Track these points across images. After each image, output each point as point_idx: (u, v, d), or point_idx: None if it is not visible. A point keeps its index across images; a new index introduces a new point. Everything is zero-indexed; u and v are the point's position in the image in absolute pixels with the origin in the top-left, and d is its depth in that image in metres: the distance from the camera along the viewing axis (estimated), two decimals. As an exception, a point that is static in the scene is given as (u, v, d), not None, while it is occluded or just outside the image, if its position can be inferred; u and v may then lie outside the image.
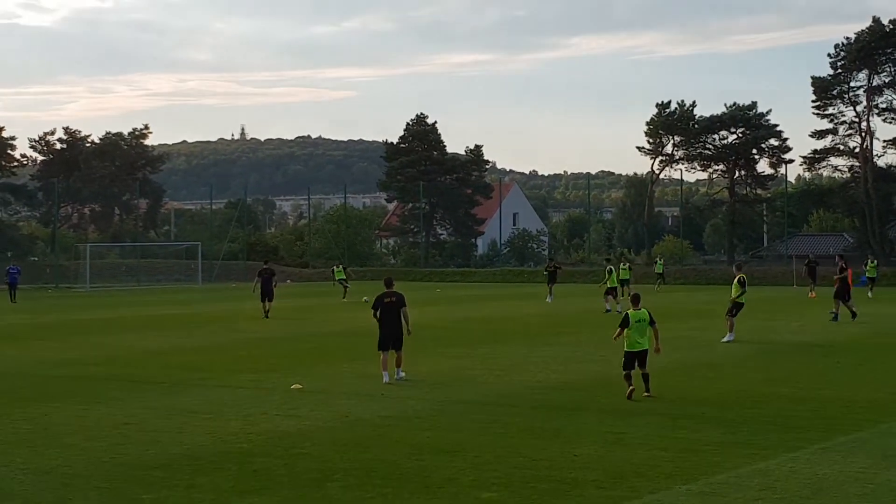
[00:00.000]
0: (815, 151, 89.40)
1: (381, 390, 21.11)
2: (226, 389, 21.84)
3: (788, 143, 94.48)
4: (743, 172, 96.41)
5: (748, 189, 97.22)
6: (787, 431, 16.42)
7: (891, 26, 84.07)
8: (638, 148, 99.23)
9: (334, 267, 60.83)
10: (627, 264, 60.26)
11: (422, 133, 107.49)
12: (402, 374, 22.52)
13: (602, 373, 23.73)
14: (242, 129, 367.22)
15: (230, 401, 20.20)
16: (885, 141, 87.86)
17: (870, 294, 53.25)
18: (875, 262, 58.66)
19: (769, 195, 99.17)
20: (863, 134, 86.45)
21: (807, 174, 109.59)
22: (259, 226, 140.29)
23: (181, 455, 15.07)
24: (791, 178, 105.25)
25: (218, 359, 27.84)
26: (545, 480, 13.22)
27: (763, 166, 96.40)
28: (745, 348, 29.06)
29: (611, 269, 45.78)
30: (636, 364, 19.74)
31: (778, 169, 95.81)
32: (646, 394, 19.66)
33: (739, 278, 30.77)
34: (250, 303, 46.79)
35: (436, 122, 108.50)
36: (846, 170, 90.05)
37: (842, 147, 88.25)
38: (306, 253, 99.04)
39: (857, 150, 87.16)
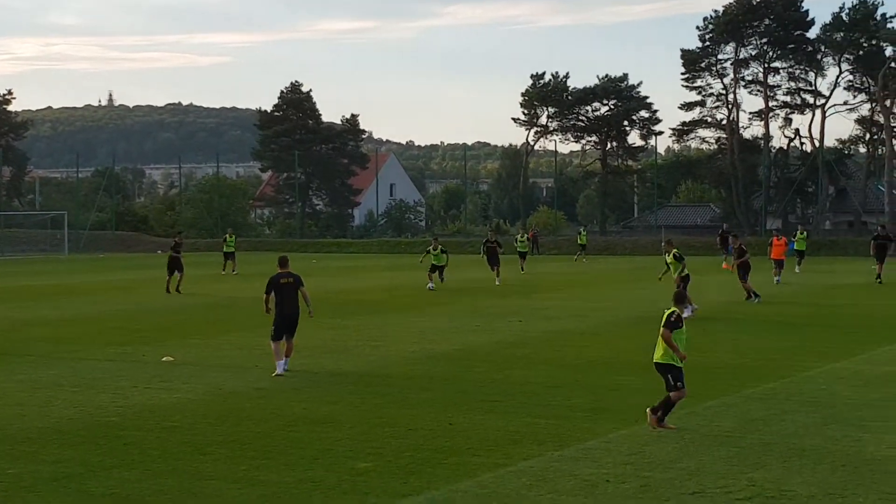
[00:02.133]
0: (683, 123, 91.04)
1: (255, 363, 20.97)
2: (94, 362, 21.47)
3: (658, 114, 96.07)
4: (614, 144, 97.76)
5: (619, 160, 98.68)
6: (655, 397, 16.82)
7: (758, 0, 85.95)
8: (513, 119, 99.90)
9: (226, 236, 56.04)
10: (584, 230, 57.40)
11: (297, 101, 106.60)
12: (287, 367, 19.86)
13: (476, 343, 23.98)
14: (110, 96, 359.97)
15: (99, 374, 19.88)
16: (750, 113, 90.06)
17: (797, 269, 49.47)
18: (805, 233, 55.03)
19: (640, 166, 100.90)
20: (729, 106, 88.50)
21: (676, 146, 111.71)
22: (128, 195, 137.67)
23: (48, 429, 14.80)
24: (661, 150, 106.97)
25: (86, 331, 27.32)
26: (420, 449, 13.34)
27: (634, 138, 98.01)
28: (619, 316, 29.65)
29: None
30: None
31: (648, 140, 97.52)
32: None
33: (674, 253, 30.66)
34: (120, 274, 45.89)
35: (311, 90, 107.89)
36: (713, 141, 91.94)
37: (709, 119, 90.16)
38: (177, 223, 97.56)
39: (724, 121, 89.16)
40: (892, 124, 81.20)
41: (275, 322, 19.88)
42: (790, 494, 11.07)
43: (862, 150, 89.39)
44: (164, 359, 21.39)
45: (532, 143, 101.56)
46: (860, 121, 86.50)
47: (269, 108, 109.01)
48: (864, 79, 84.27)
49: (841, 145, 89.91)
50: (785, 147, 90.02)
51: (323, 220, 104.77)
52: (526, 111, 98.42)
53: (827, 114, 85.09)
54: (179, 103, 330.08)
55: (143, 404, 16.64)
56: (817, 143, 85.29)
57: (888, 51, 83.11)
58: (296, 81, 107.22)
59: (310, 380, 19.06)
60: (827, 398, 16.63)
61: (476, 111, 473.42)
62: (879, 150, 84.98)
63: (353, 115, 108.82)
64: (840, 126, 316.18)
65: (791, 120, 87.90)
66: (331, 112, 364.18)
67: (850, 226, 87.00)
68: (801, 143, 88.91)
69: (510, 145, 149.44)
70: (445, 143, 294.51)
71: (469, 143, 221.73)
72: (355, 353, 22.57)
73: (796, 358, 21.16)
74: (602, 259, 67.27)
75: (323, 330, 25.92)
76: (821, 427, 14.42)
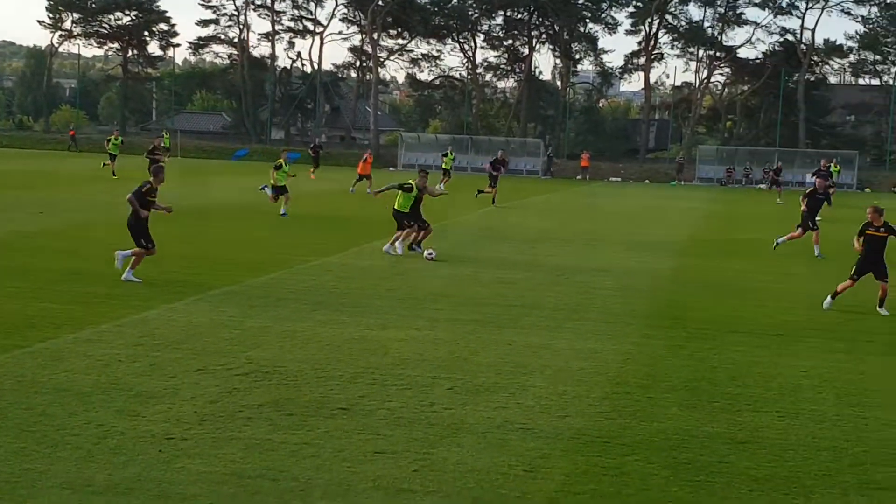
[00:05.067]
0: (199, 38, 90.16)
1: None
2: None
3: (177, 28, 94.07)
4: (135, 52, 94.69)
5: (140, 67, 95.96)
6: (167, 286, 16.64)
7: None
8: (38, 21, 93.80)
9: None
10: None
11: None
12: None
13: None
14: None
15: None
16: (259, 34, 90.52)
17: (312, 176, 49.58)
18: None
19: (158, 74, 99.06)
20: (241, 26, 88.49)
21: (192, 58, 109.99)
22: None
23: None
24: (178, 61, 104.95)
25: None
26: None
27: (154, 48, 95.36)
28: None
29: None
30: None
31: (167, 51, 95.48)
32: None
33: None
34: None
35: None
36: (226, 57, 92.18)
37: (223, 36, 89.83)
38: None
39: (235, 40, 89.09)
40: (378, 55, 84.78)
41: None
42: (282, 370, 11.42)
43: (353, 74, 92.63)
44: None
45: (57, 45, 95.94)
46: (353, 49, 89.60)
47: None
48: (357, 13, 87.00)
49: (336, 69, 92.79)
50: (289, 67, 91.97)
51: None
52: (51, 14, 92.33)
53: (325, 41, 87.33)
54: None
55: None
56: (316, 66, 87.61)
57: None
58: None
59: None
60: (317, 287, 17.25)
61: (2, 9, 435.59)
62: (367, 76, 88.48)
63: None
64: (336, 52, 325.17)
65: (294, 43, 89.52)
66: None
67: (342, 139, 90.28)
68: (303, 65, 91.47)
69: (35, 46, 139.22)
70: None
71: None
72: None
73: (294, 253, 21.69)
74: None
75: None
76: (310, 312, 14.95)
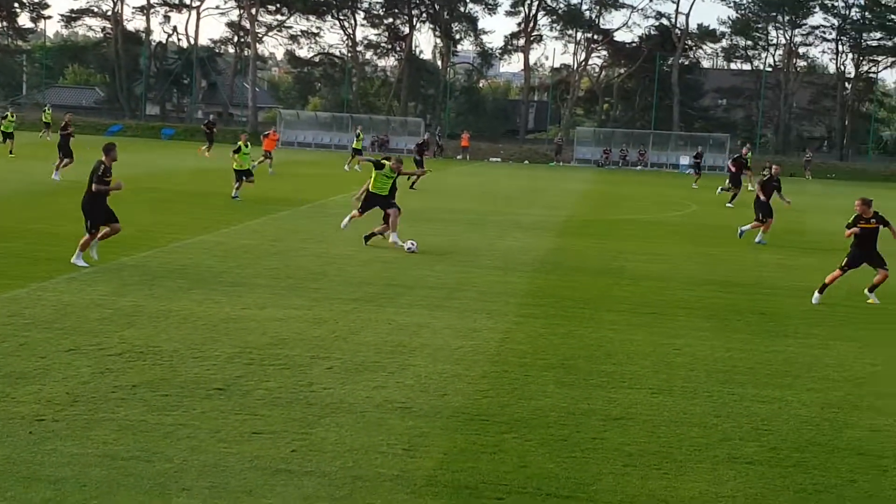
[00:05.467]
0: (72, 11, 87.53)
1: None
2: None
3: (48, 0, 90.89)
4: (5, 24, 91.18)
5: (9, 40, 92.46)
6: (36, 264, 16.14)
7: None
8: None
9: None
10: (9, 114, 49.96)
11: None
12: None
13: None
14: None
15: None
16: (134, 7, 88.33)
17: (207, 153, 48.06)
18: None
19: (29, 47, 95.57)
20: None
21: (64, 31, 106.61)
22: None
23: None
24: (50, 34, 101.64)
25: None
26: None
27: (24, 20, 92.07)
28: (10, 187, 27.92)
29: None
30: None
31: (37, 23, 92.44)
32: None
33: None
34: None
35: None
36: (100, 30, 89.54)
37: (96, 9, 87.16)
38: None
39: (109, 13, 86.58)
40: (257, 30, 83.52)
41: None
42: (157, 350, 11.20)
43: (231, 50, 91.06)
44: None
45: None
46: (230, 24, 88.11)
47: None
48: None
49: (213, 45, 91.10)
50: (164, 41, 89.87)
51: None
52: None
53: (202, 15, 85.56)
54: None
55: None
56: (192, 41, 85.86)
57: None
58: None
59: None
60: (193, 266, 16.94)
61: None
62: (245, 51, 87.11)
63: None
64: (213, 27, 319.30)
65: (170, 17, 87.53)
66: None
67: (219, 116, 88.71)
68: (179, 40, 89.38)
69: None
70: None
71: None
72: None
73: (171, 230, 21.27)
74: None
75: None
76: (186, 292, 14.68)
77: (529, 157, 71.93)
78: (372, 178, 20.76)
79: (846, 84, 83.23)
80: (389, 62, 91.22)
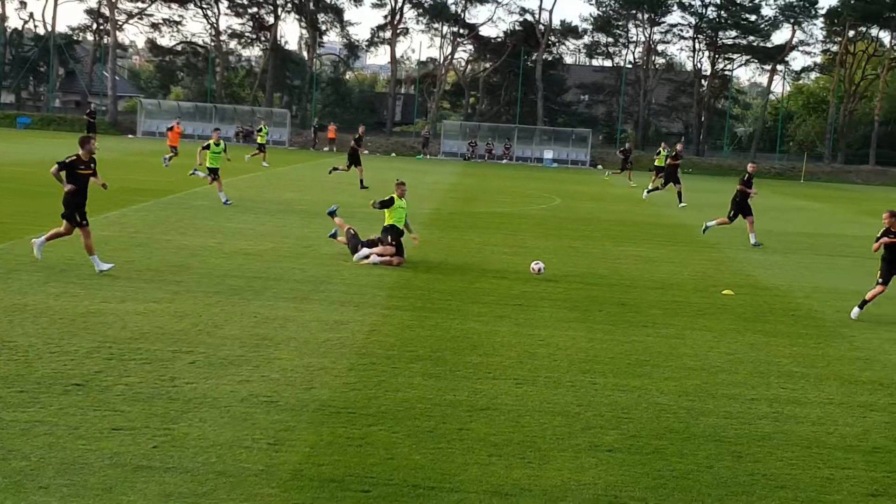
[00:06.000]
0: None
1: None
2: None
3: None
4: None
5: None
6: None
7: None
8: None
9: None
10: None
11: None
12: None
13: None
14: None
15: None
16: None
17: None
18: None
19: None
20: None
21: None
22: None
23: None
24: None
25: None
26: None
27: None
28: None
29: None
30: None
31: None
32: None
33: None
34: None
35: None
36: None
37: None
38: None
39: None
40: (117, 17, 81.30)
41: None
42: (12, 345, 10.83)
43: (90, 37, 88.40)
44: None
45: None
46: (89, 11, 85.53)
47: None
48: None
49: (71, 32, 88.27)
50: (20, 28, 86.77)
51: None
52: None
53: (59, 2, 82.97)
54: None
55: None
56: (50, 28, 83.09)
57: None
58: None
59: None
60: (50, 259, 16.39)
61: None
62: (105, 39, 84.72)
63: None
64: (71, 14, 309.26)
65: (26, 3, 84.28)
66: None
67: (77, 105, 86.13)
68: (35, 26, 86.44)
69: None
70: None
71: None
72: None
73: (27, 222, 20.58)
74: None
75: None
76: (43, 285, 14.23)
77: (396, 150, 72.05)
78: (387, 214, 19.29)
79: (703, 81, 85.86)
80: (254, 52, 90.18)
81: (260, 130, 50.34)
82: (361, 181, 36.36)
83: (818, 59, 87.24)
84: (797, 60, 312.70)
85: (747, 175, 25.93)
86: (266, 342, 11.81)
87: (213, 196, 28.35)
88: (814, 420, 10.15)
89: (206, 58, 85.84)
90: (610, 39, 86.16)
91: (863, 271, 21.22)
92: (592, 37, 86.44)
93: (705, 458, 8.82)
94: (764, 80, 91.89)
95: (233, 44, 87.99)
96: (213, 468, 7.78)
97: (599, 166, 70.39)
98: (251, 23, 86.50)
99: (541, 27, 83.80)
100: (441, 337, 12.73)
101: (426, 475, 7.96)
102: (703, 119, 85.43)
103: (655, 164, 45.32)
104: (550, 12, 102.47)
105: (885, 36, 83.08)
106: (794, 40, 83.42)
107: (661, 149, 45.34)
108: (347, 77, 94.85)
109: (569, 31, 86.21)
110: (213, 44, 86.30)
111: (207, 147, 28.19)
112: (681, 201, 36.43)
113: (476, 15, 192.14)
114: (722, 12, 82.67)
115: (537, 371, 11.36)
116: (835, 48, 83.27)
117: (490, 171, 56.55)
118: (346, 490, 7.56)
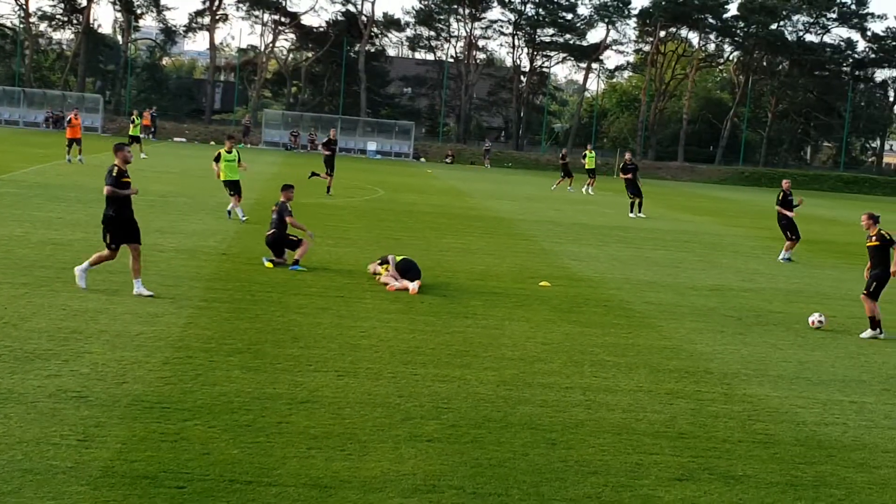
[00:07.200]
0: None
1: None
2: None
3: None
4: None
5: None
6: None
7: None
8: None
9: None
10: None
11: None
12: None
13: None
14: None
15: None
16: None
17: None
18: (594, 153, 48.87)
19: None
20: None
21: None
22: None
23: None
24: None
25: None
26: None
27: None
28: None
29: None
30: None
31: None
32: None
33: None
34: None
35: None
36: None
37: None
38: None
39: None
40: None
41: None
42: None
43: None
44: None
45: None
46: None
47: None
48: None
49: None
50: None
51: None
52: None
53: None
54: None
55: None
56: None
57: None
58: None
59: None
60: None
61: None
62: None
63: None
64: None
65: None
66: None
67: None
68: None
69: None
70: None
71: None
72: None
73: None
74: None
75: None
76: None
77: (216, 138, 70.62)
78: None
79: (522, 77, 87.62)
80: (66, 35, 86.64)
81: (134, 122, 46.78)
82: (328, 188, 33.83)
83: (631, 59, 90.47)
84: (611, 59, 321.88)
85: (782, 193, 25.06)
86: (76, 335, 11.37)
87: (19, 182, 27.12)
88: (624, 407, 10.49)
89: (15, 40, 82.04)
90: (432, 33, 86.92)
91: (671, 263, 22.11)
92: (415, 30, 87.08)
93: (521, 445, 9.00)
94: (580, 77, 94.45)
95: (43, 26, 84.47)
96: (19, 466, 7.44)
97: (423, 159, 70.89)
98: (63, 5, 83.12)
99: (363, 18, 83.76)
100: (261, 329, 12.55)
101: (243, 469, 7.83)
102: (521, 114, 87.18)
103: (586, 167, 46.44)
104: (373, 4, 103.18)
105: (693, 37, 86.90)
106: (609, 39, 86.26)
107: (587, 151, 46.62)
108: (164, 63, 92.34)
109: (391, 23, 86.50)
110: (22, 25, 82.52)
111: (218, 158, 24.69)
112: (632, 211, 34.69)
113: (298, 4, 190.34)
114: (540, 10, 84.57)
115: (359, 363, 11.34)
116: (647, 48, 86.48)
117: (313, 162, 56.11)
118: (160, 486, 7.35)
